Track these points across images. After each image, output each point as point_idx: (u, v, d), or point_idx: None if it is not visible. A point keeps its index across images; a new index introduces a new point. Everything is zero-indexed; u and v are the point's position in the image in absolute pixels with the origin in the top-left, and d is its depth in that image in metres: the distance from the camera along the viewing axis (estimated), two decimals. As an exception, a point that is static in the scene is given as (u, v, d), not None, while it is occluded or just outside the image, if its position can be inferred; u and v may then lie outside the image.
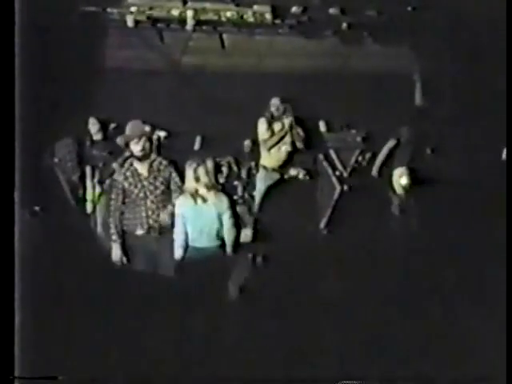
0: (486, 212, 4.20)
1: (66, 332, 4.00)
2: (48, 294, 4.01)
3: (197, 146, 4.18)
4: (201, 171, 4.13)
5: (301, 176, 4.19)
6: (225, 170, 4.20)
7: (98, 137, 4.17)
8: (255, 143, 4.21)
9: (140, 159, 4.16)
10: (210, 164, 4.15)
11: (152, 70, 4.16)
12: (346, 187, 4.23)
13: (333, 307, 4.13)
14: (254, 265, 4.18)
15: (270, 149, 4.20)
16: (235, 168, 4.21)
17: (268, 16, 4.15)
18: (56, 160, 4.13)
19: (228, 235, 4.16)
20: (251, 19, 4.16)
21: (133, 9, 4.13)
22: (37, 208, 4.07)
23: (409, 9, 4.17)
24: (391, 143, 4.22)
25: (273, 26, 4.17)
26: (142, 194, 4.15)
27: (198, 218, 4.13)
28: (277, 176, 4.21)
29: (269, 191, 4.23)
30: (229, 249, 4.16)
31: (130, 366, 4.01)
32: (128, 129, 4.14)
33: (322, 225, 4.22)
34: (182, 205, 4.14)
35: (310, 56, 4.20)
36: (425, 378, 4.07)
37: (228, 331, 4.08)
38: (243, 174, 4.22)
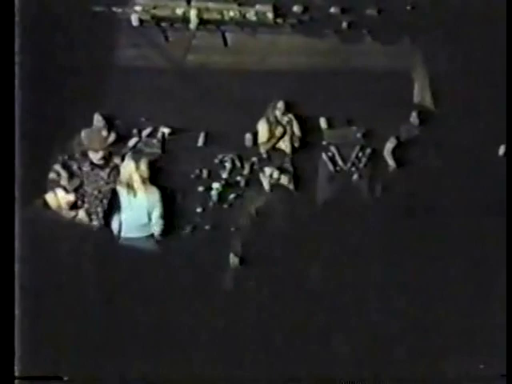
0: (486, 209, 4.24)
1: (67, 331, 4.03)
2: (48, 293, 4.03)
3: (200, 143, 4.22)
4: (142, 162, 4.18)
5: (275, 175, 4.23)
6: (228, 165, 4.25)
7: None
8: (256, 139, 4.25)
9: (101, 167, 4.20)
10: (146, 157, 4.20)
11: (156, 68, 4.20)
12: (346, 182, 4.29)
13: (328, 306, 4.17)
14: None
15: (267, 151, 4.26)
16: (238, 164, 4.26)
17: (270, 15, 4.19)
18: (66, 157, 4.17)
19: (156, 226, 4.21)
20: (253, 18, 4.20)
21: (137, 8, 4.17)
22: (38, 205, 4.11)
23: (408, 8, 4.21)
24: (393, 143, 4.27)
25: (274, 25, 4.20)
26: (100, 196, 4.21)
27: (130, 208, 4.20)
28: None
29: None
30: (158, 238, 4.21)
31: (131, 366, 4.05)
32: (85, 139, 4.17)
33: (323, 219, 4.26)
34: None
35: (312, 54, 4.24)
36: (424, 378, 4.12)
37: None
38: (246, 170, 4.27)
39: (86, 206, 4.18)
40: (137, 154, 4.20)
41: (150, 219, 4.22)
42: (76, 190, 4.18)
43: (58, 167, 4.14)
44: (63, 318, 4.04)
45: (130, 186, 4.20)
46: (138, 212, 4.20)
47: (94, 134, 4.16)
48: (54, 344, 4.02)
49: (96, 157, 4.19)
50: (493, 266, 4.19)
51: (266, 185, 4.25)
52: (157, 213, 4.20)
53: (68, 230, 4.14)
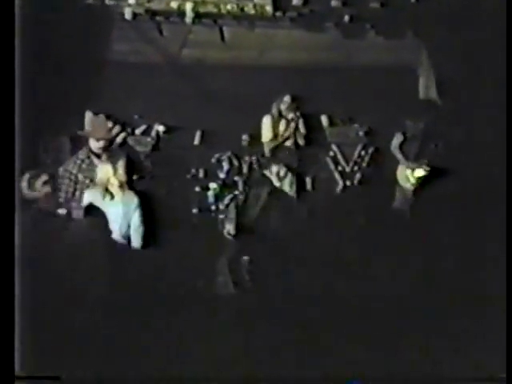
0: (487, 208, 4.20)
1: (66, 331, 4.02)
2: (48, 294, 4.01)
3: (196, 141, 4.15)
4: (120, 164, 4.10)
5: (282, 173, 4.16)
6: (225, 165, 4.17)
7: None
8: (255, 138, 4.17)
9: (99, 156, 4.12)
10: (123, 161, 4.11)
11: (151, 64, 4.14)
12: (348, 182, 4.22)
13: (329, 306, 4.14)
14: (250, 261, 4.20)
15: (273, 148, 4.18)
16: (236, 163, 4.18)
17: (269, 8, 4.12)
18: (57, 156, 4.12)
19: (135, 232, 4.10)
20: (252, 12, 4.12)
21: (131, 1, 4.08)
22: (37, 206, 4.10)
23: (412, 0, 4.14)
24: (399, 138, 4.20)
25: (273, 19, 4.13)
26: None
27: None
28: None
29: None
30: (136, 245, 4.11)
31: (131, 366, 4.03)
32: (88, 124, 4.11)
33: (323, 220, 4.21)
34: (89, 198, 4.10)
35: (312, 49, 4.17)
36: (424, 378, 4.08)
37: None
38: (244, 169, 4.19)
39: (77, 193, 4.12)
40: (114, 156, 4.12)
41: (128, 226, 4.10)
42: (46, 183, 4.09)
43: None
44: (63, 318, 4.03)
45: (107, 191, 4.09)
46: (113, 217, 4.09)
47: (99, 123, 4.11)
48: (54, 344, 4.00)
49: (96, 145, 4.12)
50: (493, 266, 4.15)
51: (274, 182, 4.19)
52: (136, 220, 4.09)
53: (65, 230, 4.11)
